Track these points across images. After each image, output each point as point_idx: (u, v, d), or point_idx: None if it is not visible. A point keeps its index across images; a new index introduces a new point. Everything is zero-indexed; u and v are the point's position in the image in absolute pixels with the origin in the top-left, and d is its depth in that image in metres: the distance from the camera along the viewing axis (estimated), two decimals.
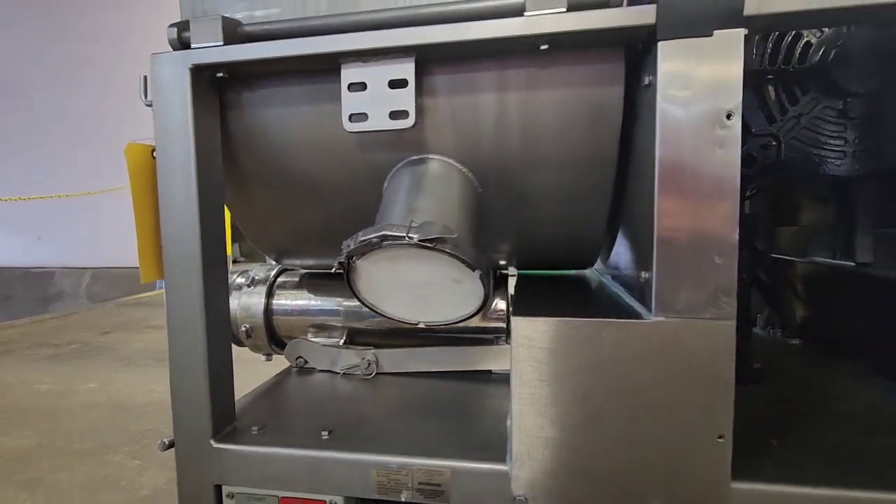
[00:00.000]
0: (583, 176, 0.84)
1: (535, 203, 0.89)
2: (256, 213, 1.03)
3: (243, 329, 1.28)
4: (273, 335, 1.28)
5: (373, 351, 1.19)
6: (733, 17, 0.63)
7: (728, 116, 0.64)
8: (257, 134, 0.88)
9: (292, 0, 0.82)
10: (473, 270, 0.73)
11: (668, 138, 0.66)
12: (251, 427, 0.89)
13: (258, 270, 1.36)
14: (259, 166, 0.92)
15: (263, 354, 1.36)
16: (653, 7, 0.65)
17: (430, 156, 0.85)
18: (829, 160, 0.95)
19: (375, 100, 0.76)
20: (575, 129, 0.79)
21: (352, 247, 0.73)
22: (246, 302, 1.28)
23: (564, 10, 0.67)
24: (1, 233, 7.96)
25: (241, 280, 1.33)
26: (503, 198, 0.90)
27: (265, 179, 0.94)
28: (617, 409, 0.69)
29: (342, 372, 1.20)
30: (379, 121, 0.77)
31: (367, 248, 0.73)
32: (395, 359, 1.19)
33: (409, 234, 0.70)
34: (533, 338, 0.70)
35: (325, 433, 0.85)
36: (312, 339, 1.25)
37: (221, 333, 0.88)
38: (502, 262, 1.12)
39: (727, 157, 0.64)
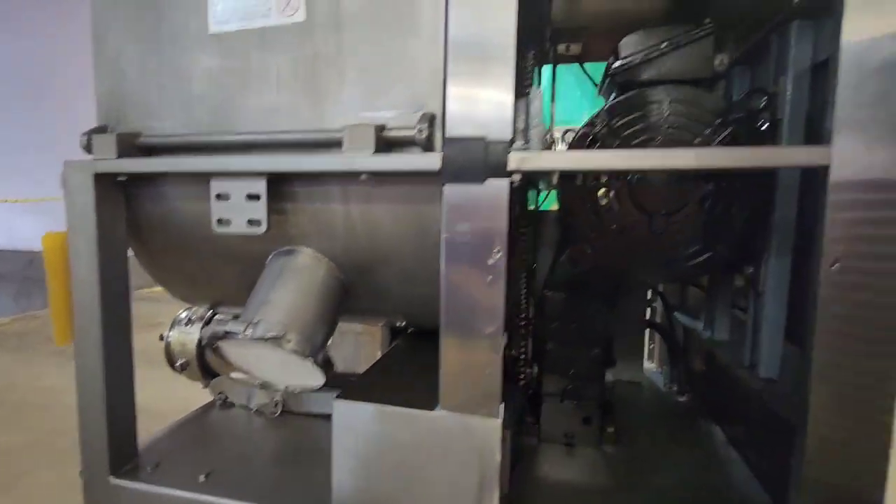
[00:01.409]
0: (419, 271, 0.97)
1: (391, 288, 1.04)
2: (178, 277, 1.20)
3: (179, 363, 1.46)
4: (206, 369, 1.46)
5: (281, 391, 1.35)
6: (500, 170, 0.75)
7: (497, 251, 0.77)
8: (163, 218, 1.05)
9: (183, 118, 0.98)
10: (304, 359, 0.88)
11: (452, 264, 0.79)
12: (147, 465, 1.06)
13: (201, 308, 1.54)
14: (171, 242, 1.09)
15: (201, 384, 1.55)
16: (439, 156, 0.78)
17: (297, 248, 1.00)
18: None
19: (236, 209, 0.92)
20: (406, 239, 0.93)
21: (204, 340, 0.89)
22: (183, 338, 1.46)
23: (372, 152, 0.81)
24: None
25: (184, 315, 1.51)
26: (364, 282, 1.04)
27: (180, 253, 1.10)
28: (406, 489, 0.83)
29: (254, 409, 1.36)
30: (239, 227, 0.92)
31: (216, 340, 0.89)
32: (299, 400, 1.35)
33: (246, 332, 0.85)
34: (345, 415, 0.85)
35: (202, 476, 1.02)
36: (234, 376, 1.42)
37: (123, 381, 1.05)
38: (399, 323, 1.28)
39: (494, 286, 0.77)
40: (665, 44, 0.90)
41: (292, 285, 0.95)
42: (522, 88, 0.81)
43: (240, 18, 0.94)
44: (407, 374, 1.07)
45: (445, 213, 0.78)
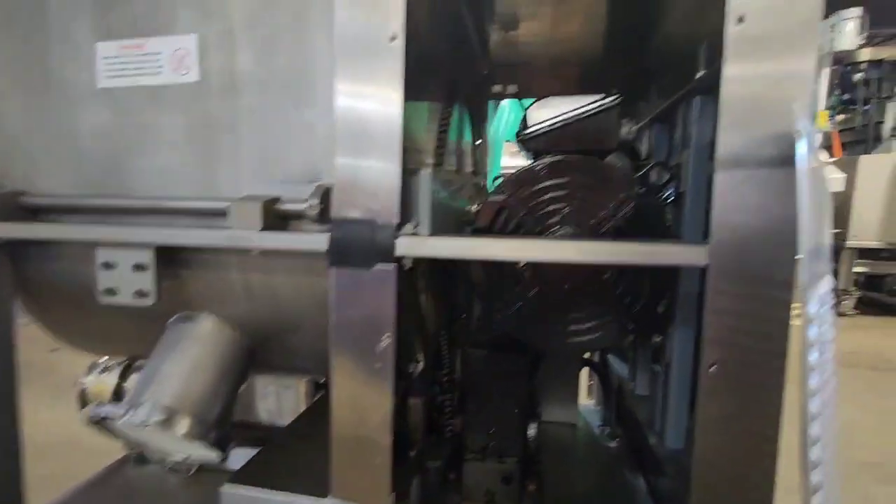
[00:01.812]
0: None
1: (303, 348, 1.00)
2: (79, 335, 1.13)
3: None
4: None
5: None
6: (388, 255, 0.72)
7: (385, 338, 0.74)
8: (55, 277, 0.98)
9: (71, 177, 0.92)
10: (191, 442, 0.84)
11: (340, 349, 0.76)
12: None
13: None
14: (66, 301, 1.02)
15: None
16: (326, 237, 0.74)
17: (197, 314, 0.95)
18: None
19: (124, 278, 0.86)
20: (309, 308, 0.89)
21: (83, 422, 0.83)
22: (100, 386, 1.39)
23: (259, 228, 0.77)
24: None
25: (102, 358, 1.43)
26: (273, 344, 1.00)
27: (76, 311, 1.03)
28: None
29: (169, 466, 1.30)
30: (126, 298, 0.87)
31: (96, 423, 0.84)
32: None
33: (127, 417, 0.81)
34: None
35: None
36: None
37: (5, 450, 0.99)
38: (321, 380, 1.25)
39: (382, 374, 0.74)
40: (572, 113, 0.89)
41: (188, 358, 0.90)
42: (418, 162, 0.79)
43: (131, 74, 0.89)
44: (316, 443, 1.03)
45: (333, 297, 0.75)
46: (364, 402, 0.75)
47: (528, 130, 0.90)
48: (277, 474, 0.87)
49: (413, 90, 0.73)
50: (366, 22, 0.70)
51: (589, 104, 0.88)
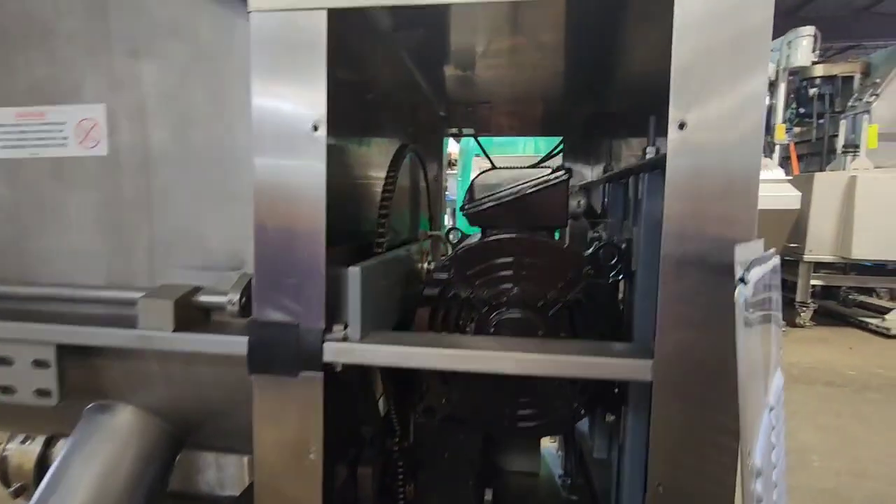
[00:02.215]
0: None
1: (241, 431, 0.92)
2: None
3: (13, 487, 1.27)
4: None
5: None
6: (314, 362, 0.66)
7: (311, 452, 0.67)
8: None
9: None
10: None
11: (265, 462, 0.69)
12: None
13: None
14: None
15: None
16: (244, 340, 0.67)
17: (114, 403, 0.86)
18: None
19: (22, 376, 0.77)
20: (238, 400, 0.82)
21: None
22: (21, 456, 1.27)
23: (171, 329, 0.70)
24: None
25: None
26: (203, 429, 0.93)
27: None
28: None
29: None
30: (24, 397, 0.77)
31: None
32: None
33: None
34: None
35: None
36: None
37: None
38: None
39: (309, 487, 0.68)
40: (519, 188, 0.84)
41: (100, 460, 0.82)
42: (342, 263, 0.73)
43: (31, 144, 0.80)
44: None
45: (256, 405, 0.68)
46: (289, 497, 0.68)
47: (474, 203, 0.85)
48: None
49: (356, 145, 0.67)
50: (285, 112, 0.63)
51: (537, 179, 0.83)
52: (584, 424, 1.37)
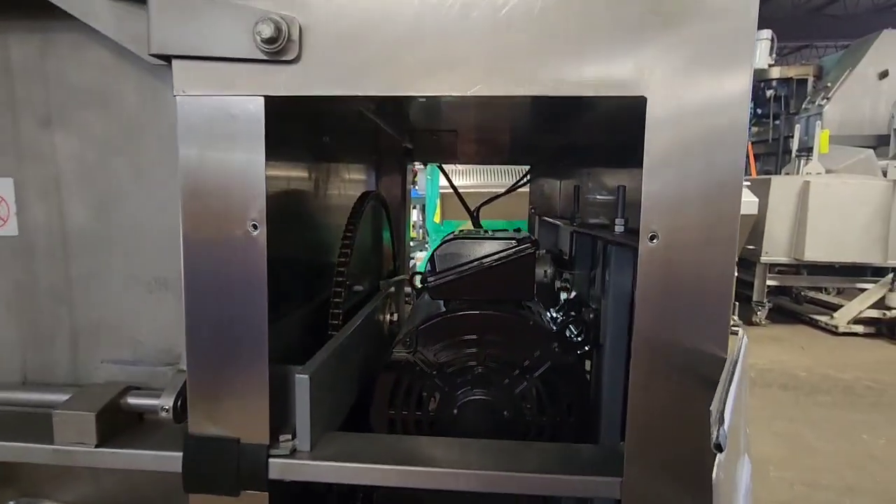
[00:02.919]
0: None
1: None
2: None
3: None
4: None
5: None
6: (258, 480, 0.60)
7: None
8: None
9: None
10: None
11: None
12: None
13: None
14: None
15: None
16: (179, 456, 0.61)
17: (37, 500, 0.78)
18: None
19: None
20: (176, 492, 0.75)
21: None
22: None
23: (94, 445, 0.62)
24: None
25: None
26: None
27: None
28: None
29: None
30: None
31: None
32: None
33: None
34: None
35: None
36: None
37: None
38: None
39: None
40: (486, 260, 0.80)
41: None
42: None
43: None
44: None
45: None
46: None
47: (438, 276, 0.80)
48: None
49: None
50: (217, 213, 0.56)
51: (503, 251, 0.79)
52: None
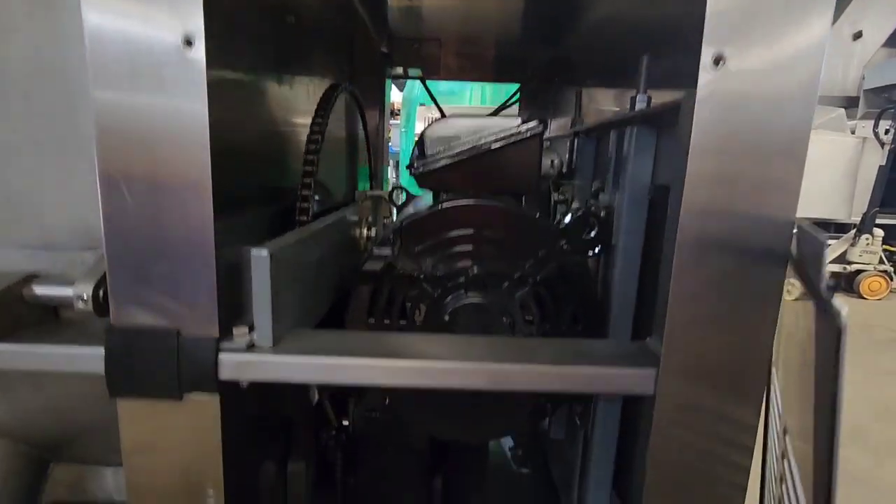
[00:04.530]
0: None
1: None
2: None
3: None
4: None
5: None
6: (206, 380, 0.48)
7: (207, 497, 0.50)
8: None
9: None
10: None
11: None
12: None
13: None
14: None
15: None
16: (99, 353, 0.47)
17: None
18: None
19: None
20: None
21: None
22: None
23: None
24: None
25: None
26: (83, 448, 0.73)
27: None
28: None
29: None
30: None
31: None
32: None
33: None
34: None
35: None
36: None
37: None
38: None
39: None
40: (483, 141, 0.67)
41: None
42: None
43: None
44: None
45: (124, 440, 0.49)
46: None
47: (425, 161, 0.67)
48: None
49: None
50: (138, 27, 0.41)
51: (505, 132, 0.66)
52: None
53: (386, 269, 0.68)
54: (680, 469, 0.48)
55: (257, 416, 0.70)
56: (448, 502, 1.19)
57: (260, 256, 0.47)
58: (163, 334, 0.46)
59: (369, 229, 1.01)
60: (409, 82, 3.50)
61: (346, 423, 1.00)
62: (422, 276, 0.67)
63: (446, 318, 0.68)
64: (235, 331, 0.49)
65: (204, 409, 0.48)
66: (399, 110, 4.57)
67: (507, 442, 1.52)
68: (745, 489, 0.48)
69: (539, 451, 1.44)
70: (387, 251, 0.68)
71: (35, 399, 0.63)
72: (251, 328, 0.50)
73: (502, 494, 1.25)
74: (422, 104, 4.01)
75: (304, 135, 0.73)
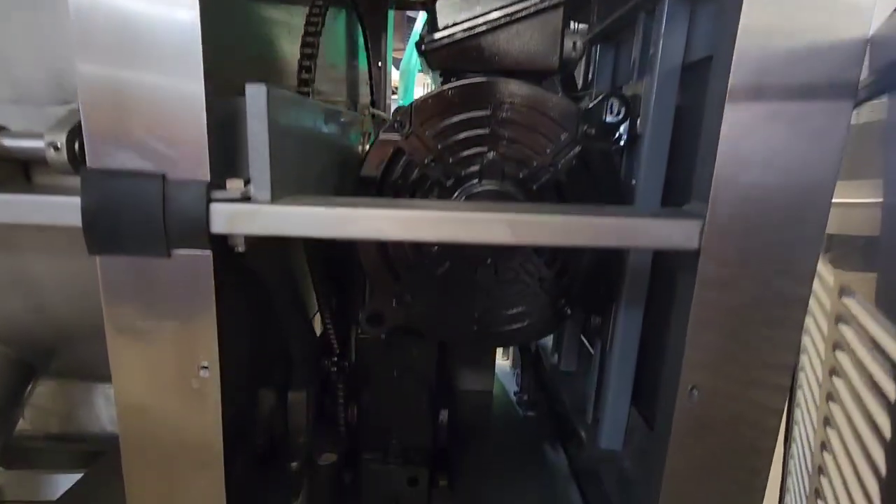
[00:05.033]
0: None
1: None
2: None
3: None
4: None
5: None
6: (196, 234, 0.42)
7: (203, 368, 0.45)
8: None
9: None
10: None
11: (127, 393, 0.46)
12: None
13: None
14: None
15: None
16: (74, 202, 0.42)
17: None
18: None
19: None
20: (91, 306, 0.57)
21: None
22: None
23: None
24: None
25: None
26: (68, 350, 0.68)
27: None
28: None
29: None
30: None
31: None
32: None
33: None
34: None
35: None
36: None
37: None
38: None
39: (205, 418, 0.46)
40: (498, 14, 0.61)
41: None
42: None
43: None
44: None
45: (106, 302, 0.44)
46: (179, 454, 0.47)
47: (436, 36, 0.61)
48: None
49: None
50: None
51: (520, 4, 0.60)
52: (546, 340, 1.25)
53: (394, 156, 0.62)
54: (724, 336, 0.44)
55: (248, 319, 0.65)
56: (453, 437, 1.16)
57: (256, 92, 0.42)
58: (146, 178, 0.41)
59: (367, 145, 0.95)
60: (406, 53, 3.38)
61: (346, 353, 0.96)
62: (432, 163, 0.62)
63: None
64: (229, 183, 0.43)
65: (194, 266, 0.43)
66: (396, 88, 4.44)
67: (512, 387, 1.49)
68: (795, 359, 0.44)
69: (544, 395, 1.41)
70: (395, 137, 0.62)
71: (21, 298, 0.58)
72: (247, 182, 0.44)
73: (509, 436, 1.22)
74: (420, 71, 3.90)
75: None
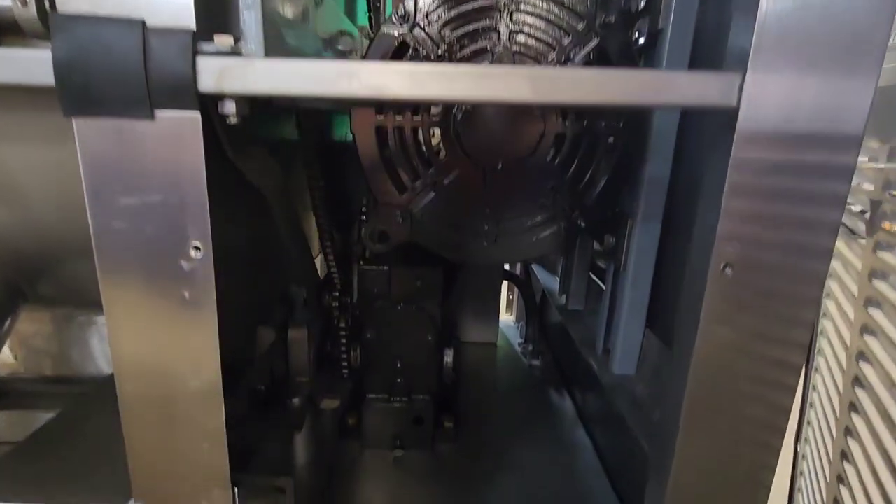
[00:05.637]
0: None
1: None
2: None
3: None
4: None
5: None
6: (182, 91, 0.38)
7: (195, 248, 0.42)
8: None
9: None
10: None
11: (111, 271, 0.42)
12: None
13: None
14: None
15: None
16: (44, 57, 0.37)
17: None
18: None
19: None
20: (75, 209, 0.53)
21: None
22: None
23: None
24: None
25: None
26: (55, 269, 0.64)
27: None
28: None
29: None
30: None
31: None
32: None
33: None
34: None
35: None
36: None
37: None
38: None
39: (200, 312, 0.43)
40: None
41: None
42: None
43: None
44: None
45: (85, 173, 0.40)
46: (172, 356, 0.44)
47: None
48: (57, 462, 0.55)
49: None
50: None
51: None
52: (553, 283, 1.21)
53: (398, 50, 0.58)
54: (762, 203, 0.40)
55: (242, 214, 0.62)
56: (458, 385, 1.14)
57: None
58: (122, 25, 0.37)
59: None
60: None
61: (349, 289, 0.93)
62: (440, 58, 0.57)
63: (459, 116, 0.59)
64: (217, 38, 0.39)
65: (180, 129, 0.39)
66: None
67: (516, 338, 1.47)
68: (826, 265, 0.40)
69: (549, 344, 1.38)
70: (398, 30, 0.58)
71: (5, 206, 0.54)
72: (236, 40, 0.40)
73: (517, 388, 1.20)
74: None
75: None
